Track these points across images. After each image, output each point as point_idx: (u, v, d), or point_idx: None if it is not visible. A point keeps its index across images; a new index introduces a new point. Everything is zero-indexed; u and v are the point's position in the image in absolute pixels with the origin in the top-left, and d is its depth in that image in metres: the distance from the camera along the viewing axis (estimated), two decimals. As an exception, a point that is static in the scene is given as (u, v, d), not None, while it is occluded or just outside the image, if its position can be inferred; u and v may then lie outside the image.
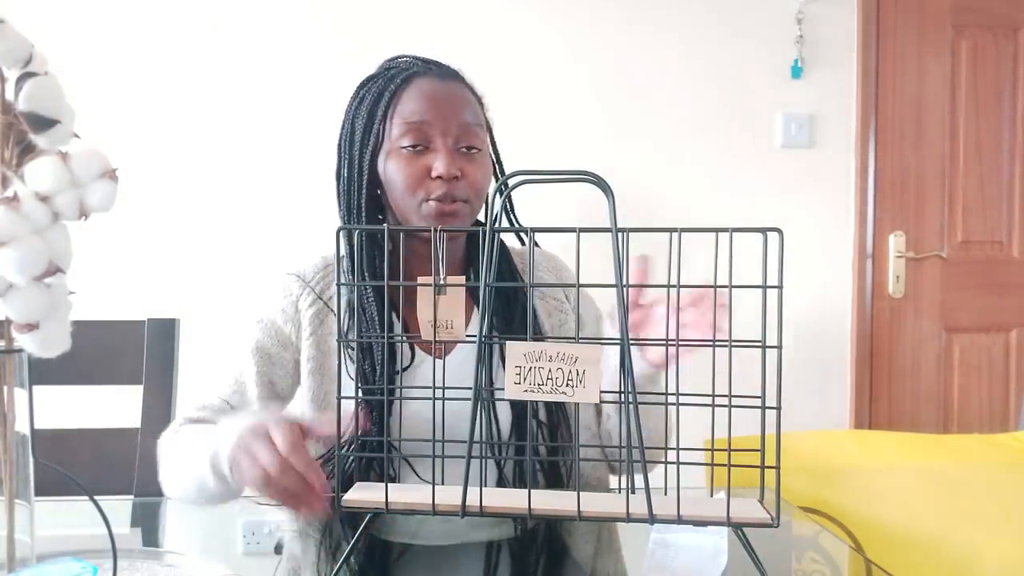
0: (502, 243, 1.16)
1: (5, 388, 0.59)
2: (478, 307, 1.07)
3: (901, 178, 2.54)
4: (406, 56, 1.11)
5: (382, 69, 1.10)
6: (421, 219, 1.03)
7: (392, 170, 1.04)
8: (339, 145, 1.09)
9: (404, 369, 1.03)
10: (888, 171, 2.53)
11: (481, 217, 1.11)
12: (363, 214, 1.06)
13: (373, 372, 1.00)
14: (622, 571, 0.93)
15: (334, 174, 1.09)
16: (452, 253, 1.10)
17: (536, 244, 1.21)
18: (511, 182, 0.72)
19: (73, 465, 1.13)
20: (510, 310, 1.07)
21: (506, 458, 1.02)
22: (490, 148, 1.10)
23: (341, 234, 0.89)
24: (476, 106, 1.08)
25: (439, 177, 1.02)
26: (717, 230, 0.72)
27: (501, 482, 1.02)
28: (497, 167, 1.13)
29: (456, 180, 1.02)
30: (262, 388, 1.06)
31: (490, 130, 1.12)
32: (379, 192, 1.07)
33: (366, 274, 1.04)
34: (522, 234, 1.17)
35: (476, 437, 0.71)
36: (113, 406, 1.22)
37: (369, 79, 1.09)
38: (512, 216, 1.14)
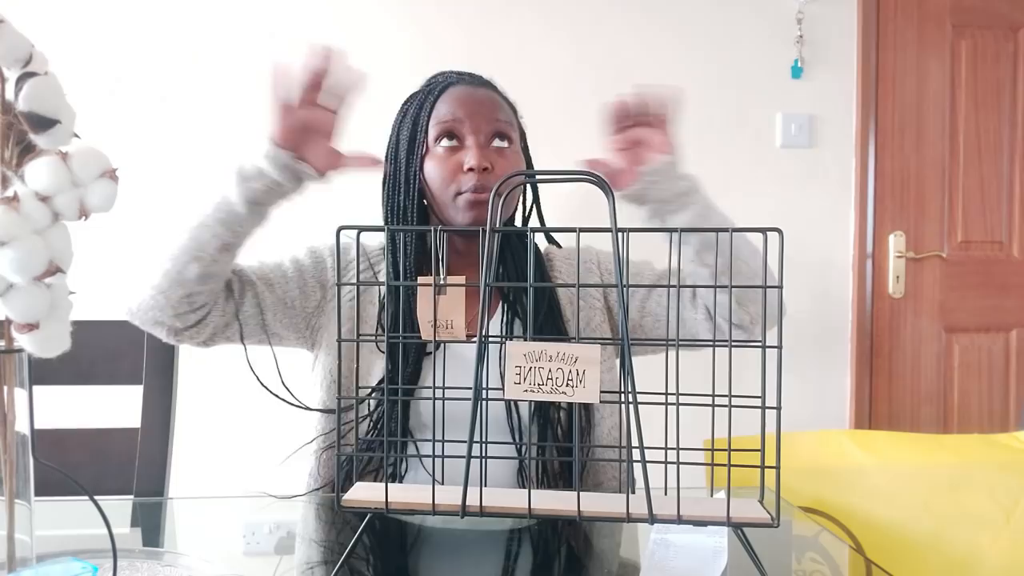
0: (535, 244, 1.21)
1: (5, 388, 0.59)
2: (502, 304, 1.14)
3: (901, 178, 2.54)
4: (445, 71, 1.20)
5: (424, 85, 1.19)
6: (457, 212, 1.10)
7: (430, 168, 1.12)
8: (386, 154, 1.17)
9: (429, 353, 1.07)
10: (888, 171, 2.53)
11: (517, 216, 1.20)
12: (407, 220, 1.13)
13: (403, 359, 1.04)
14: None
15: (380, 181, 1.16)
16: (476, 254, 1.13)
17: (558, 245, 1.29)
18: (511, 182, 0.72)
19: (73, 465, 1.14)
20: (536, 308, 1.12)
21: (522, 457, 1.04)
22: (520, 149, 1.18)
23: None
24: (507, 109, 1.17)
25: (471, 169, 1.08)
26: (717, 230, 0.73)
27: (520, 480, 1.04)
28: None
29: (487, 172, 1.09)
30: (273, 284, 1.17)
31: (524, 136, 1.21)
32: (424, 200, 1.15)
33: (398, 272, 1.11)
34: (553, 234, 1.28)
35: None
36: (113, 406, 1.22)
37: (412, 95, 1.19)
38: (538, 213, 1.23)
